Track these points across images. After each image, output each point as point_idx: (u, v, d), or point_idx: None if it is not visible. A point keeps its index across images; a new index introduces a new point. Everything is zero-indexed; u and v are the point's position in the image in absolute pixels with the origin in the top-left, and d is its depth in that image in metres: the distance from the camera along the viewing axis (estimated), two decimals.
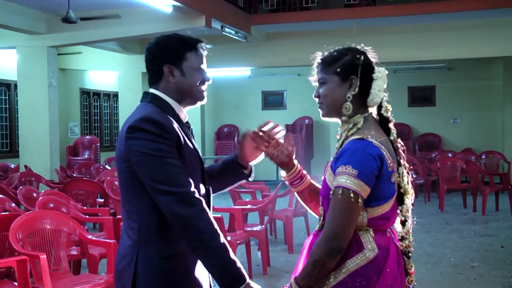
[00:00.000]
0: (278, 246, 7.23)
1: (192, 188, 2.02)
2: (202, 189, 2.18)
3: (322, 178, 2.12)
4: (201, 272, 2.14)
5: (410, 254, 2.11)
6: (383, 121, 2.13)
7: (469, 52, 11.35)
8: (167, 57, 2.17)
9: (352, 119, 2.08)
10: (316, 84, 2.16)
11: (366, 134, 2.00)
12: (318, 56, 2.16)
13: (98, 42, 10.50)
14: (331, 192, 1.97)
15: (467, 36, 11.02)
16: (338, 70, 2.07)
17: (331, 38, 11.26)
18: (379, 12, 10.45)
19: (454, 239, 7.57)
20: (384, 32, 11.25)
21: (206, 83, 2.22)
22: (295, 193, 2.36)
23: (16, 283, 3.87)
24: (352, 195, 1.90)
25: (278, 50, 11.95)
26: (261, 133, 2.29)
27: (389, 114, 2.13)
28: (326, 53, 2.15)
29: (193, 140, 2.21)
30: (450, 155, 12.21)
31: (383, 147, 1.99)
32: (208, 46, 2.25)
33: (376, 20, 10.77)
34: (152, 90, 2.19)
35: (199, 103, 2.24)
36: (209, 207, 2.22)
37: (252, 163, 2.39)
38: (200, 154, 2.24)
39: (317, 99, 2.15)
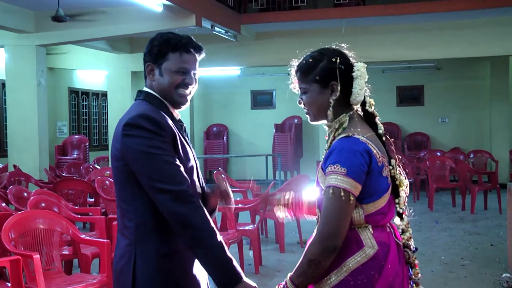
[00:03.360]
0: (269, 246, 7.24)
1: (189, 186, 2.03)
2: (198, 187, 2.18)
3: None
4: (199, 268, 2.14)
5: (412, 247, 2.11)
6: (368, 117, 2.14)
7: (457, 51, 11.42)
8: (150, 54, 2.16)
9: (338, 119, 2.09)
10: (298, 91, 2.16)
11: (353, 131, 2.01)
12: (295, 64, 2.15)
13: (88, 41, 10.43)
14: (322, 192, 1.98)
15: (455, 36, 11.09)
16: (317, 78, 2.07)
17: (321, 37, 11.30)
18: (368, 11, 10.50)
19: (444, 238, 7.62)
20: (373, 31, 11.31)
21: (190, 87, 2.17)
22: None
23: (9, 284, 3.83)
24: (342, 193, 1.91)
25: (267, 49, 11.95)
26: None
27: (373, 109, 2.15)
28: (301, 60, 2.14)
29: (187, 138, 2.20)
30: (438, 154, 12.29)
31: (370, 142, 2.00)
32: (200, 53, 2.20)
33: (366, 20, 10.82)
34: (145, 88, 2.20)
35: (182, 107, 2.20)
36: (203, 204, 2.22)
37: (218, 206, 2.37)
38: (194, 152, 2.23)
39: (302, 105, 2.16)
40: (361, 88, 2.07)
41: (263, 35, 11.78)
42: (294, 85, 2.17)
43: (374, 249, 1.98)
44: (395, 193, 2.08)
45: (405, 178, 2.11)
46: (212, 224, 2.03)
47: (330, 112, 2.07)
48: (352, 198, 1.92)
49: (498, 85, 13.55)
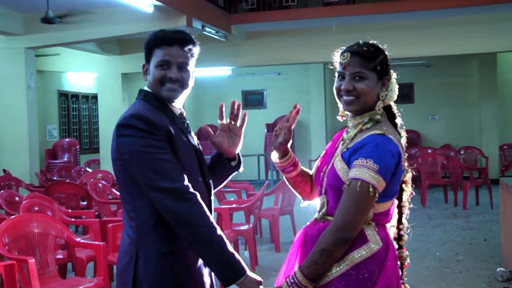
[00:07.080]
0: (264, 245, 7.22)
1: (186, 183, 2.00)
2: (201, 183, 2.15)
3: (320, 166, 2.13)
4: (202, 267, 2.13)
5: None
6: (390, 117, 2.16)
7: (447, 49, 11.47)
8: (145, 54, 2.17)
9: (368, 114, 2.08)
10: (343, 75, 2.07)
11: (385, 130, 2.02)
12: (348, 47, 2.08)
13: (77, 43, 10.36)
14: (346, 183, 1.97)
15: (445, 33, 11.14)
16: (379, 68, 2.05)
17: (311, 36, 11.36)
18: (358, 10, 10.51)
19: (437, 234, 7.65)
20: (363, 30, 11.29)
21: (177, 81, 2.11)
22: (284, 177, 2.34)
23: None
24: (371, 189, 1.93)
25: (258, 49, 11.94)
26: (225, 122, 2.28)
27: (395, 110, 2.18)
28: (359, 46, 2.07)
29: (188, 134, 2.18)
30: (429, 151, 12.33)
31: (400, 145, 2.03)
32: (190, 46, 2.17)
33: (355, 18, 10.81)
34: (145, 87, 2.18)
35: (173, 102, 2.15)
36: (210, 201, 2.21)
37: (238, 151, 2.33)
38: (198, 147, 2.21)
39: (347, 93, 2.05)
40: (396, 88, 2.13)
41: (253, 35, 11.76)
42: (343, 70, 2.06)
43: (378, 245, 2.00)
44: (399, 196, 2.13)
45: (410, 182, 2.18)
46: (212, 220, 2.00)
47: (379, 107, 2.07)
48: (377, 195, 1.95)
49: (487, 82, 13.66)
